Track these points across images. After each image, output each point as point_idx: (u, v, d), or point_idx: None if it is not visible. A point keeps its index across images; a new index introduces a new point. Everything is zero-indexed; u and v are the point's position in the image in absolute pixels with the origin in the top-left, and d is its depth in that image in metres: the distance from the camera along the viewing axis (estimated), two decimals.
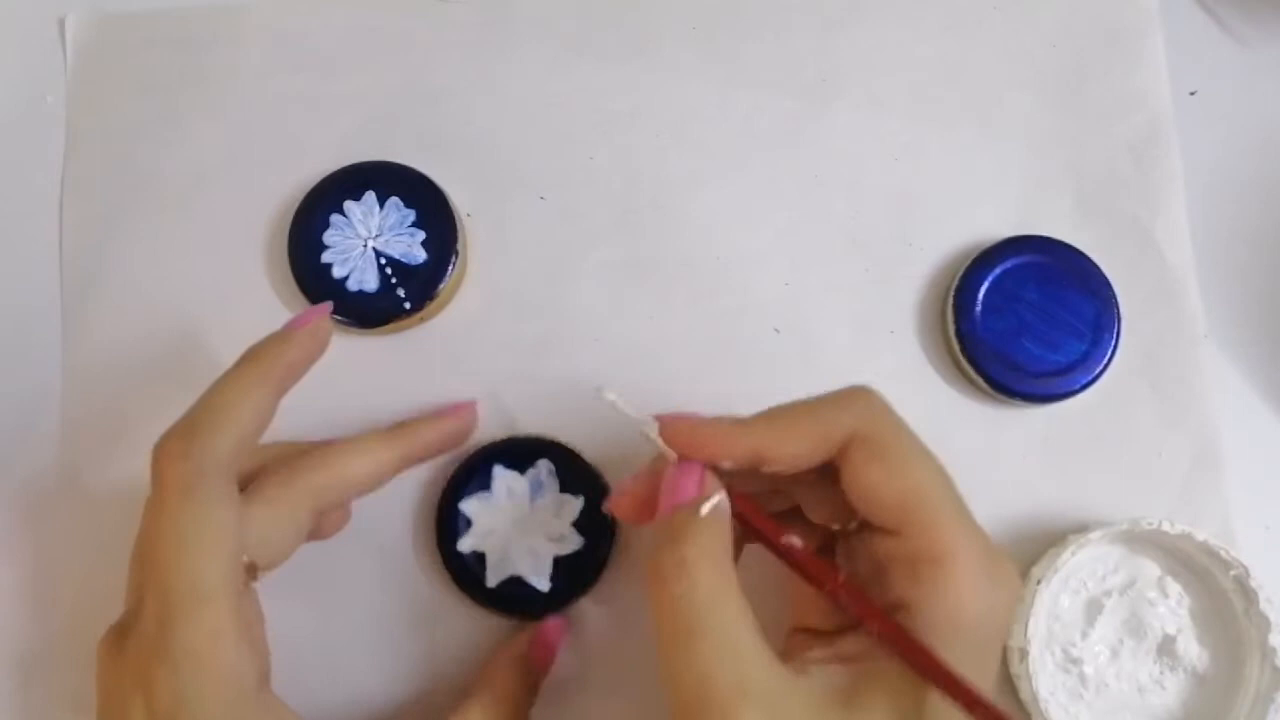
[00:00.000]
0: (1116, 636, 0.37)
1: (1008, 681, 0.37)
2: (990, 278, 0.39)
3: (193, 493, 0.30)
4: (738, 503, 0.30)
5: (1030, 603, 0.36)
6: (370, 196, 0.41)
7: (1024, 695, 0.36)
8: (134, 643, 0.29)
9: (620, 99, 0.42)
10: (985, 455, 0.40)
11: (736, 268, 0.41)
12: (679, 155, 0.42)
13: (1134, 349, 0.40)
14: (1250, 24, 0.43)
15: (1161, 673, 0.37)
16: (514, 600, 0.38)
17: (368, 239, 0.41)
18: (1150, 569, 0.38)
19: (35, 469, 0.40)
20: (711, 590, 0.28)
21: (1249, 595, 0.36)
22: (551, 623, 0.37)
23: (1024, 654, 0.36)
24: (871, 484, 0.29)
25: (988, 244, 0.40)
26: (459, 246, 0.40)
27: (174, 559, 0.29)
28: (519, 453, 0.39)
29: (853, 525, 0.31)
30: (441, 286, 0.40)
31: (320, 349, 0.34)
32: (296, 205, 0.41)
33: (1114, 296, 0.39)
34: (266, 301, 0.41)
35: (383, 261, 0.40)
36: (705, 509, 0.29)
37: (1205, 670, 0.37)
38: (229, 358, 0.41)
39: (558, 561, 0.38)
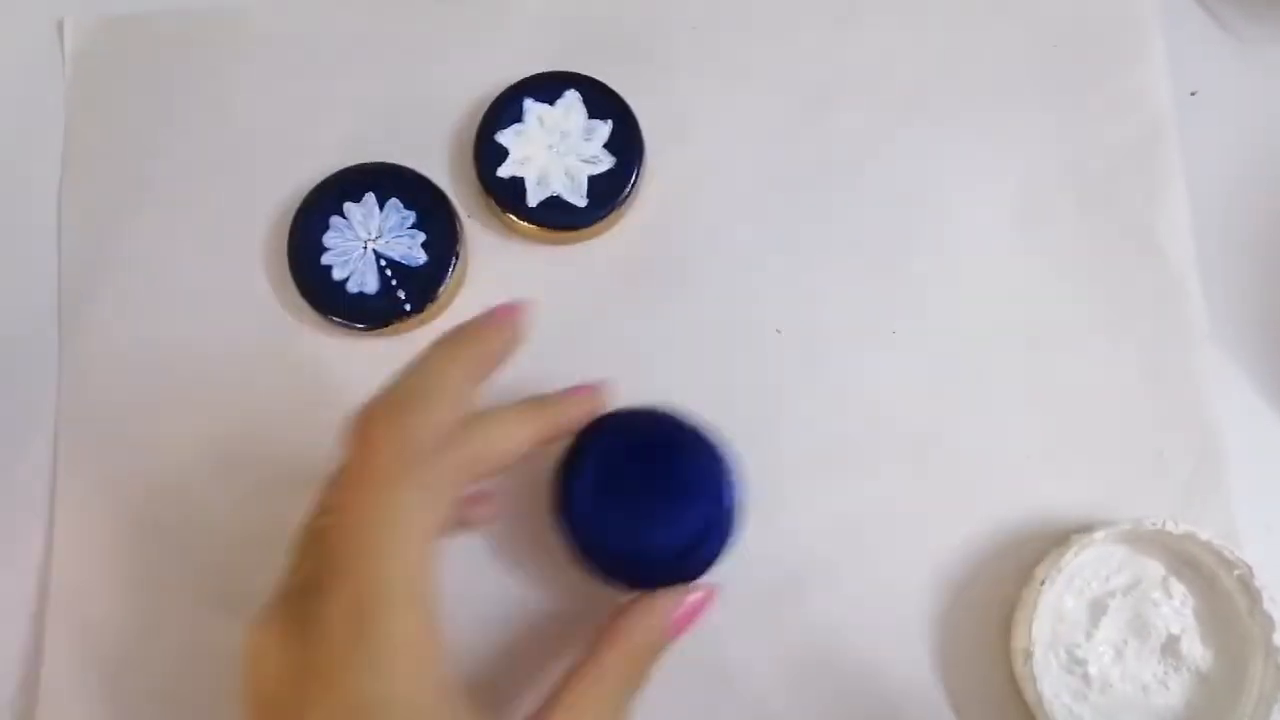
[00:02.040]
0: (1121, 637, 0.37)
1: (1012, 683, 0.37)
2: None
3: (404, 475, 0.27)
4: None
5: (1034, 603, 0.36)
6: (370, 198, 0.41)
7: (1029, 696, 0.36)
8: (315, 635, 0.26)
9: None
10: (986, 455, 0.40)
11: (736, 268, 0.41)
12: (678, 155, 0.42)
13: (1136, 349, 0.40)
14: (1251, 23, 0.43)
15: (1165, 673, 0.37)
16: (555, 218, 0.40)
17: (367, 241, 0.40)
18: (1154, 569, 0.38)
19: (33, 470, 0.40)
20: None
21: (1253, 595, 0.36)
22: (703, 593, 0.34)
23: (1029, 655, 0.35)
24: None
25: (987, 242, 0.40)
26: (459, 248, 0.40)
27: (378, 545, 0.26)
28: (548, 85, 0.41)
29: None
30: (442, 288, 0.40)
31: (518, 344, 0.32)
32: (296, 207, 0.41)
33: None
34: (266, 304, 0.41)
35: (383, 263, 0.40)
36: None
37: (1209, 670, 0.37)
38: (228, 359, 0.41)
39: (592, 180, 0.40)
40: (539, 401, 0.34)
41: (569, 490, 0.35)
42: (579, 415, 0.35)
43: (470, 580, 0.38)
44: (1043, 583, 0.36)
